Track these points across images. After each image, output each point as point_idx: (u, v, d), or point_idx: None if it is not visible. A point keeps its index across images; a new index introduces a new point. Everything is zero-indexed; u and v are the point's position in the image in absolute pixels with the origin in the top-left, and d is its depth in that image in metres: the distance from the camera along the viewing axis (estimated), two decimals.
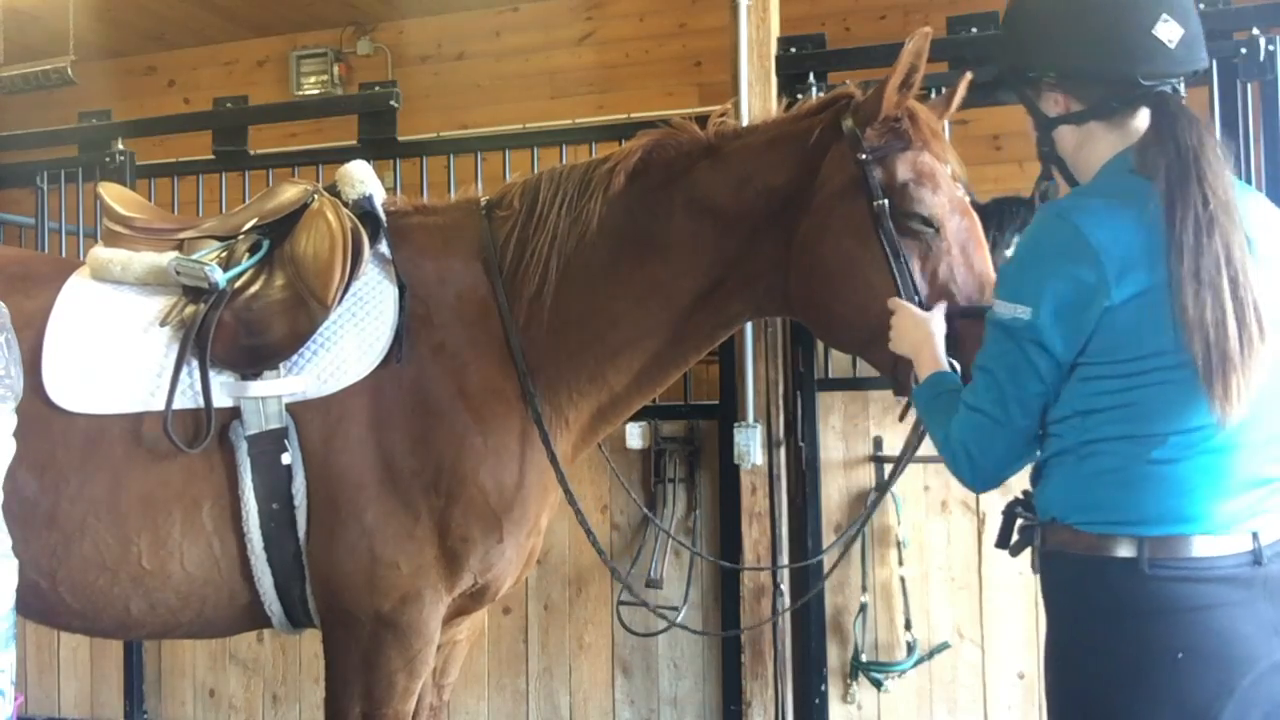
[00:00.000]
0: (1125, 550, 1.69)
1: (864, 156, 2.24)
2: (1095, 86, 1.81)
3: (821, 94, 2.42)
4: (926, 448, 3.47)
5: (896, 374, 2.26)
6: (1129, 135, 1.81)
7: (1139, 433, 1.70)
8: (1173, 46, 1.75)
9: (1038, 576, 1.85)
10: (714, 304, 2.42)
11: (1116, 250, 1.66)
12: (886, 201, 2.20)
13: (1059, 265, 1.69)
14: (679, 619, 2.87)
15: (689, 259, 2.39)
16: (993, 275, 2.21)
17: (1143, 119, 1.80)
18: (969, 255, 2.24)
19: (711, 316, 2.44)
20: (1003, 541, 1.93)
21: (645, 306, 2.41)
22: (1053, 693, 1.82)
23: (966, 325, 2.11)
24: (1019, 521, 1.89)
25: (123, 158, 4.44)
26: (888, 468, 3.54)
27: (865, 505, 3.54)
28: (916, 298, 2.17)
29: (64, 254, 4.84)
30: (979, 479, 1.87)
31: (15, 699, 2.05)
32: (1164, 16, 1.74)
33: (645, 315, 2.41)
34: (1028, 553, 1.87)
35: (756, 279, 2.38)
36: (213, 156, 4.45)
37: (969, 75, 2.40)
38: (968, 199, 2.31)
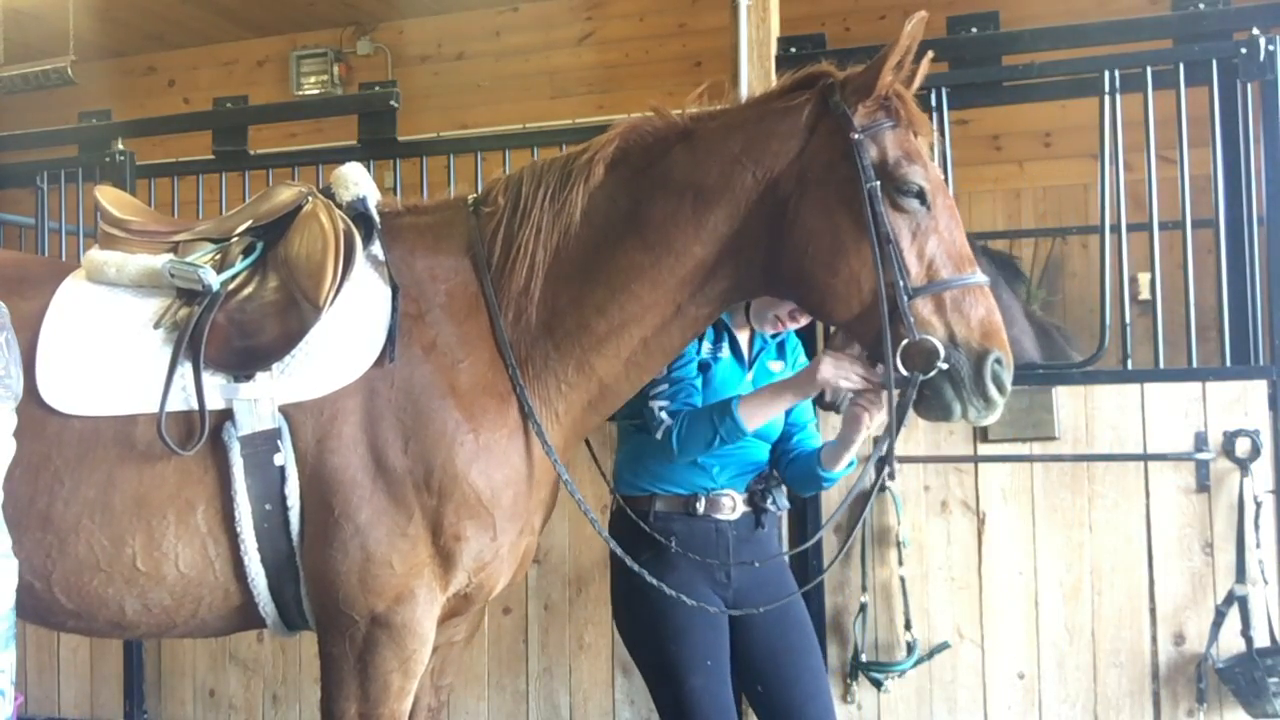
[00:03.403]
0: None
1: (857, 136, 2.28)
2: None
3: (791, 73, 2.45)
4: (927, 448, 3.50)
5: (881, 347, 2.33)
6: None
7: None
8: None
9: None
10: (697, 284, 2.41)
11: None
12: (879, 181, 2.27)
13: None
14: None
15: (669, 241, 2.39)
16: (969, 250, 2.35)
17: None
18: (952, 232, 2.32)
19: (696, 298, 2.43)
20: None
21: (629, 292, 2.40)
22: None
23: (959, 294, 2.27)
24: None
25: (122, 158, 4.44)
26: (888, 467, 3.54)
27: (866, 506, 3.53)
28: (906, 272, 2.26)
29: (64, 254, 4.84)
30: None
31: (15, 699, 2.05)
32: None
33: (629, 300, 2.41)
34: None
35: (737, 256, 2.39)
36: (213, 156, 4.46)
37: (930, 54, 2.45)
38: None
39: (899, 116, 2.32)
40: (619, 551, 2.66)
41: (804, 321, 2.85)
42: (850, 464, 2.74)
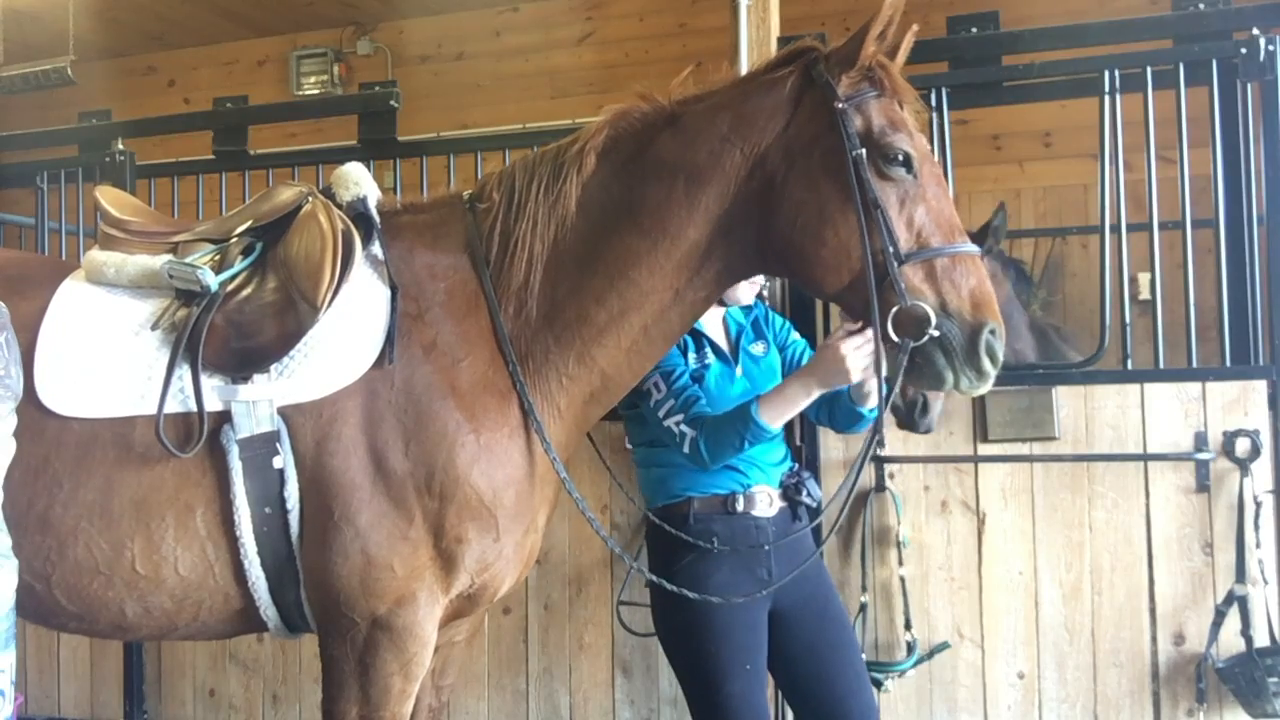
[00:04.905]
0: None
1: (841, 105, 2.29)
2: None
3: (776, 51, 2.46)
4: (927, 448, 3.50)
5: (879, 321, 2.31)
6: None
7: None
8: None
9: None
10: (694, 267, 2.41)
11: None
12: (865, 149, 2.27)
13: None
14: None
15: (664, 225, 2.39)
16: (958, 220, 2.34)
17: None
18: (940, 200, 2.32)
19: (694, 281, 2.43)
20: None
21: (628, 279, 2.40)
22: None
23: (949, 263, 2.26)
24: None
25: (123, 158, 4.44)
26: (888, 467, 3.55)
27: (865, 506, 3.54)
28: (895, 239, 2.25)
29: (64, 254, 4.84)
30: None
31: (15, 699, 2.05)
32: None
33: (628, 288, 2.41)
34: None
35: (730, 235, 2.39)
36: (213, 156, 4.46)
37: (915, 26, 2.44)
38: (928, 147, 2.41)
39: (883, 86, 2.33)
40: (618, 549, 2.66)
41: (729, 301, 2.91)
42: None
